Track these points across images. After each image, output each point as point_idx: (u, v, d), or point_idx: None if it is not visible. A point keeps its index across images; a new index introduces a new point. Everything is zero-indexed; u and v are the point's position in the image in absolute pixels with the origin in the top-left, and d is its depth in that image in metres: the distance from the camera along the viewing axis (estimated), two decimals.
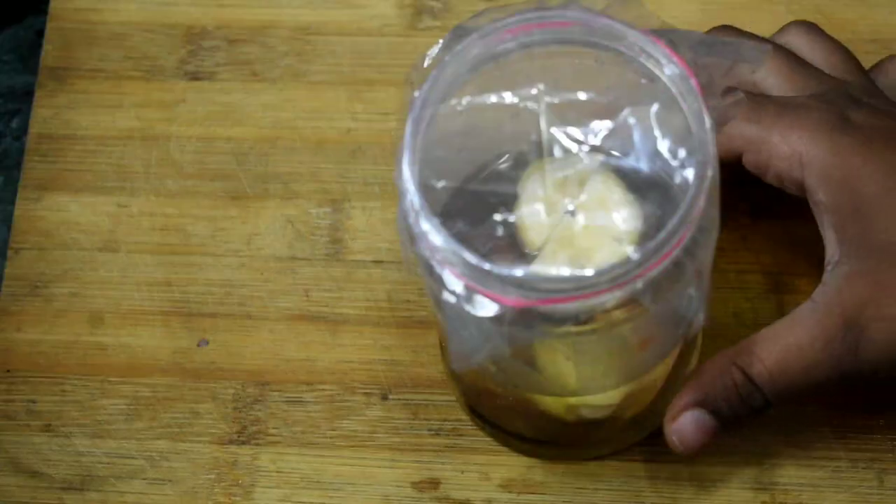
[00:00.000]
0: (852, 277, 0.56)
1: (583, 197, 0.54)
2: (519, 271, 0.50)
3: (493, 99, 0.54)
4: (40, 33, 0.72)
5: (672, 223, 0.50)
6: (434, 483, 0.63)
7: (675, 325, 0.55)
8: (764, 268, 0.65)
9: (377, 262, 0.66)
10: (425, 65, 0.54)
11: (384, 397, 0.64)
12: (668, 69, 0.53)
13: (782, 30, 0.63)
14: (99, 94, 0.70)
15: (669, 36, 0.54)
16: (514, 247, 0.54)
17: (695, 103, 0.52)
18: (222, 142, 0.69)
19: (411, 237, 0.52)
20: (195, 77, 0.70)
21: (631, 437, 0.62)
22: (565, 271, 0.50)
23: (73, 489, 0.63)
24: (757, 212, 0.65)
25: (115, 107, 0.70)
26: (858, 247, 0.56)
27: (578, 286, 0.50)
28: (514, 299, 0.50)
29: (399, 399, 0.64)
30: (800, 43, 0.62)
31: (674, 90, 0.53)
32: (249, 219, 0.67)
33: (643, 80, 0.53)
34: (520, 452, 0.63)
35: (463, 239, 0.51)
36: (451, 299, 0.51)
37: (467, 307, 0.51)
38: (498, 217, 0.54)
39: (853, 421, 0.63)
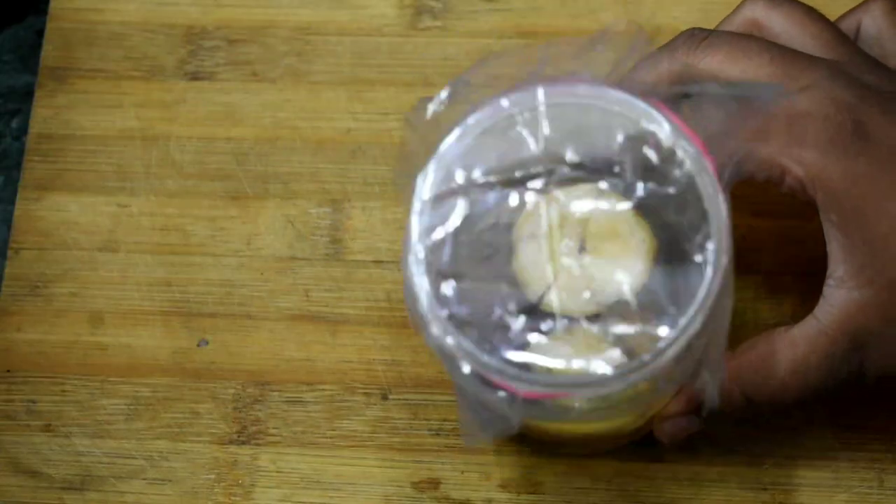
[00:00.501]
0: (863, 306, 0.55)
1: (589, 231, 0.54)
2: (529, 372, 0.51)
3: (503, 198, 0.53)
4: (40, 33, 0.72)
5: (684, 320, 0.51)
6: (434, 483, 0.63)
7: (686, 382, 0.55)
8: (764, 268, 0.65)
9: (377, 262, 0.66)
10: (427, 116, 0.54)
11: (384, 397, 0.64)
12: (683, 147, 0.52)
13: (742, 6, 0.60)
14: (99, 94, 0.70)
15: (685, 103, 0.53)
16: (524, 311, 0.54)
17: (710, 186, 0.52)
18: (222, 142, 0.69)
19: (421, 321, 0.52)
20: (195, 77, 0.70)
21: (631, 437, 0.62)
22: (577, 365, 0.51)
23: (73, 489, 0.63)
24: (757, 212, 0.65)
25: (115, 107, 0.70)
26: (869, 277, 0.55)
27: (589, 382, 0.51)
28: (525, 390, 0.51)
29: (399, 399, 0.64)
30: (769, 17, 0.58)
31: (689, 166, 0.52)
32: (249, 219, 0.67)
33: (653, 154, 0.53)
34: (519, 443, 0.63)
35: (470, 322, 0.51)
36: (461, 380, 0.52)
37: (477, 388, 0.52)
38: (510, 306, 0.53)
39: (853, 421, 0.63)
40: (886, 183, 0.55)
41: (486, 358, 0.51)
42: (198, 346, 0.65)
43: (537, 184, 0.53)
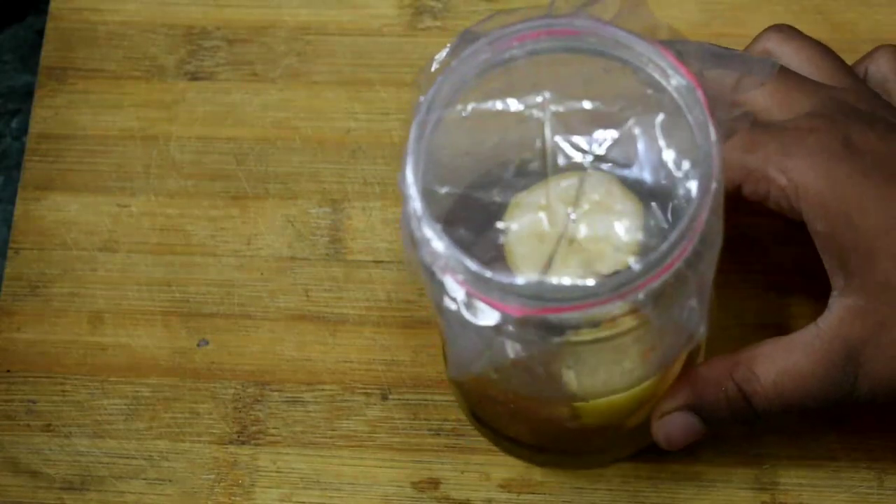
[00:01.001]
0: (856, 312, 0.56)
1: (581, 206, 0.54)
2: (520, 279, 0.50)
3: (499, 106, 0.54)
4: (40, 33, 0.72)
5: (675, 234, 0.50)
6: (434, 483, 0.63)
7: (676, 337, 0.55)
8: (764, 268, 0.65)
9: (377, 262, 0.66)
10: (433, 69, 0.54)
11: (384, 397, 0.64)
12: (675, 80, 0.52)
13: (758, 38, 0.62)
14: (99, 94, 0.70)
15: (678, 46, 0.53)
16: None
17: (700, 115, 0.52)
18: (222, 142, 0.69)
19: (414, 242, 0.52)
20: (195, 77, 0.70)
21: (632, 445, 0.62)
22: (567, 280, 0.50)
23: (73, 489, 0.63)
24: (757, 212, 0.65)
25: (115, 107, 0.70)
26: (861, 282, 0.56)
27: (580, 295, 0.50)
28: (515, 307, 0.50)
29: (399, 399, 0.64)
30: (781, 51, 0.61)
31: (680, 101, 0.52)
32: (249, 219, 0.67)
33: (649, 91, 0.53)
34: (520, 459, 0.63)
35: (465, 246, 0.51)
36: (452, 306, 0.51)
37: (468, 314, 0.51)
38: (500, 225, 0.54)
39: (853, 421, 0.63)
40: (870, 189, 0.56)
41: (478, 269, 0.50)
42: (198, 346, 0.65)
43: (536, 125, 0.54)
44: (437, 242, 0.51)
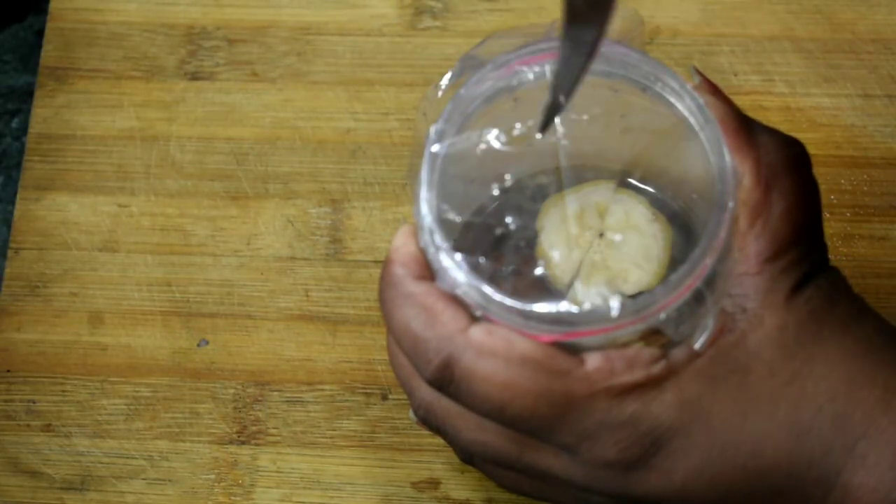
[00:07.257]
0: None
1: (608, 224, 0.54)
2: (542, 307, 0.50)
3: (511, 132, 0.53)
4: (40, 33, 0.72)
5: (694, 254, 0.50)
6: (434, 483, 0.63)
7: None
8: None
9: (377, 262, 0.66)
10: (438, 95, 0.54)
11: (384, 397, 0.64)
12: (686, 99, 0.52)
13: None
14: (99, 94, 0.70)
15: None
16: (534, 278, 0.54)
17: (713, 133, 0.51)
18: (222, 142, 0.69)
19: (434, 270, 0.52)
20: (195, 77, 0.70)
21: None
22: (587, 305, 0.50)
23: (73, 489, 0.63)
24: None
25: (115, 107, 0.70)
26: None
27: (600, 319, 0.50)
28: (537, 334, 0.50)
29: (399, 399, 0.64)
30: None
31: (691, 120, 0.52)
32: (249, 219, 0.68)
33: (660, 110, 0.53)
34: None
35: (482, 273, 0.51)
36: None
37: None
38: (518, 249, 0.53)
39: None
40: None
41: (500, 298, 0.50)
42: (198, 346, 0.65)
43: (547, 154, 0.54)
44: (457, 272, 0.51)
